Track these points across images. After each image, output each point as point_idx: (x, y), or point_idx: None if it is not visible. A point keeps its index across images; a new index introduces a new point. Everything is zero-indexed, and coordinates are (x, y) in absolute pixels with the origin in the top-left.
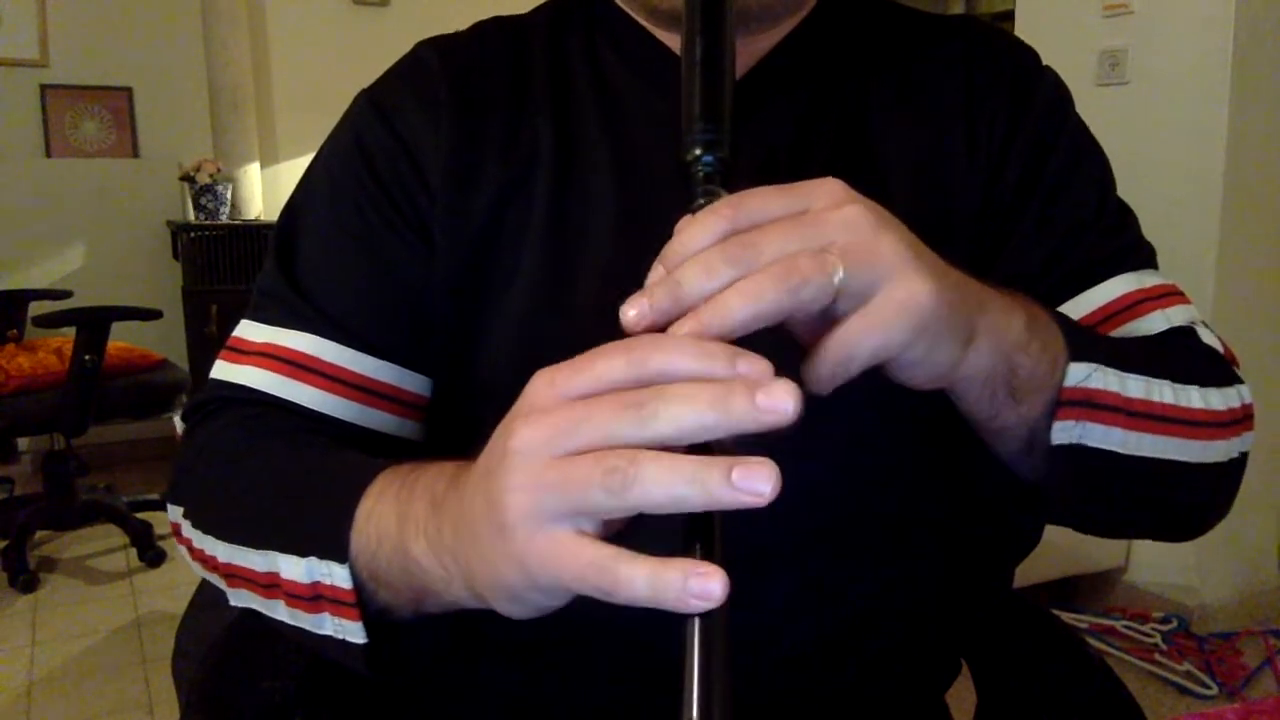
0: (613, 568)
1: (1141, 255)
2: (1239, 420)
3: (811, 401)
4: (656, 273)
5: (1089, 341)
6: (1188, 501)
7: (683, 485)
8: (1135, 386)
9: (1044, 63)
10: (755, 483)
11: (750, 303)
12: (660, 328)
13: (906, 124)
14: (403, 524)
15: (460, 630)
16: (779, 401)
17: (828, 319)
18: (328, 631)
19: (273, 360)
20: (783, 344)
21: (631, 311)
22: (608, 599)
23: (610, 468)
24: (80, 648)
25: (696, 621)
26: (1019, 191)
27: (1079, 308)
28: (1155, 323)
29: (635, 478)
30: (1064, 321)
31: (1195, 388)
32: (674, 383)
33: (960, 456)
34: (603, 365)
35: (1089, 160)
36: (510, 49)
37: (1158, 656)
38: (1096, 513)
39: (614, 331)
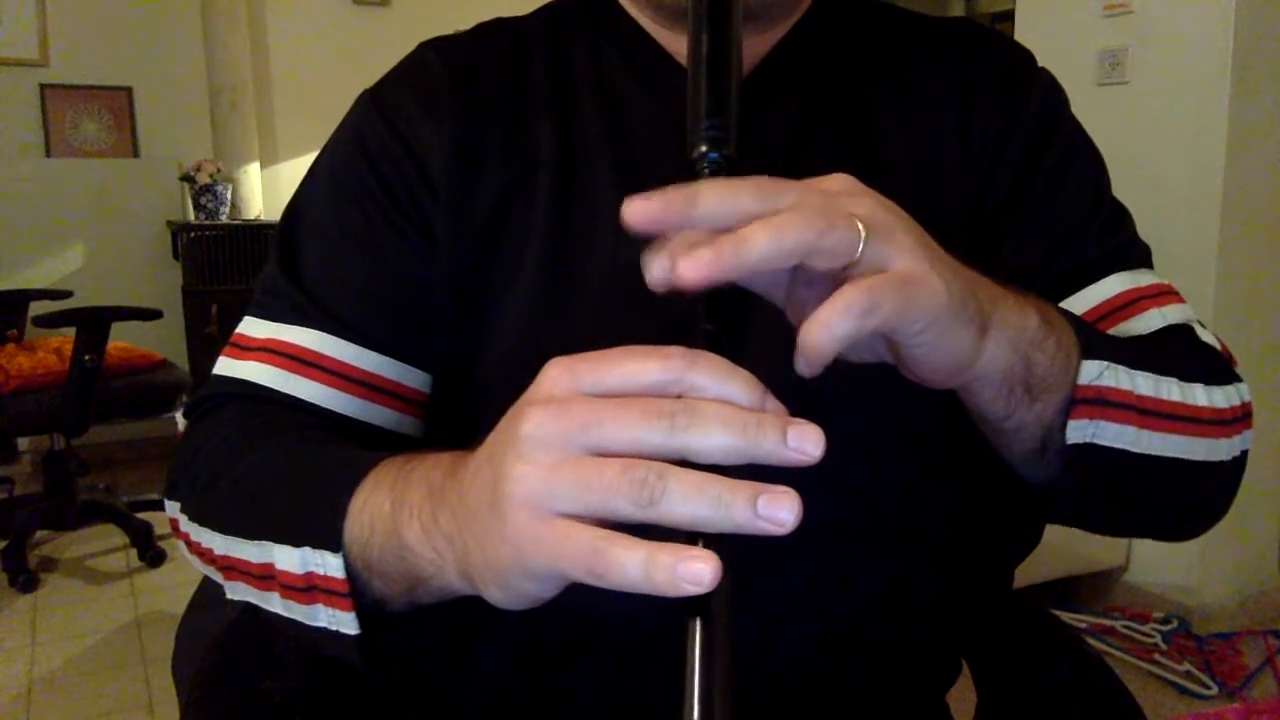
0: (606, 550)
1: (1137, 254)
2: (1240, 418)
3: (818, 402)
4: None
5: (1098, 339)
6: (1193, 501)
7: (706, 507)
8: (1145, 384)
9: (1040, 64)
10: (778, 512)
11: (773, 235)
12: (660, 274)
13: (903, 124)
14: (397, 511)
15: (455, 625)
16: (808, 443)
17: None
18: (321, 623)
19: (274, 355)
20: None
21: (635, 208)
22: (599, 583)
23: (639, 480)
24: (80, 648)
25: (698, 620)
26: (1014, 191)
27: (1075, 306)
28: (1152, 320)
29: (663, 494)
30: (1073, 319)
31: (1200, 385)
32: (703, 399)
33: (964, 458)
34: (634, 366)
35: (1084, 160)
36: (512, 50)
37: (1158, 656)
38: (1103, 512)
39: (615, 333)
